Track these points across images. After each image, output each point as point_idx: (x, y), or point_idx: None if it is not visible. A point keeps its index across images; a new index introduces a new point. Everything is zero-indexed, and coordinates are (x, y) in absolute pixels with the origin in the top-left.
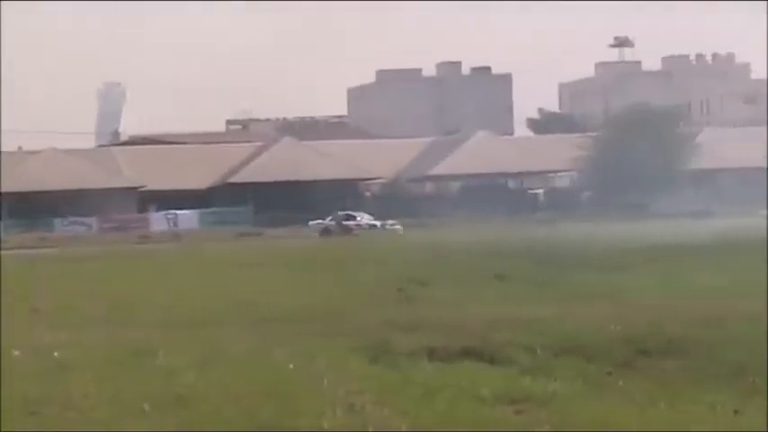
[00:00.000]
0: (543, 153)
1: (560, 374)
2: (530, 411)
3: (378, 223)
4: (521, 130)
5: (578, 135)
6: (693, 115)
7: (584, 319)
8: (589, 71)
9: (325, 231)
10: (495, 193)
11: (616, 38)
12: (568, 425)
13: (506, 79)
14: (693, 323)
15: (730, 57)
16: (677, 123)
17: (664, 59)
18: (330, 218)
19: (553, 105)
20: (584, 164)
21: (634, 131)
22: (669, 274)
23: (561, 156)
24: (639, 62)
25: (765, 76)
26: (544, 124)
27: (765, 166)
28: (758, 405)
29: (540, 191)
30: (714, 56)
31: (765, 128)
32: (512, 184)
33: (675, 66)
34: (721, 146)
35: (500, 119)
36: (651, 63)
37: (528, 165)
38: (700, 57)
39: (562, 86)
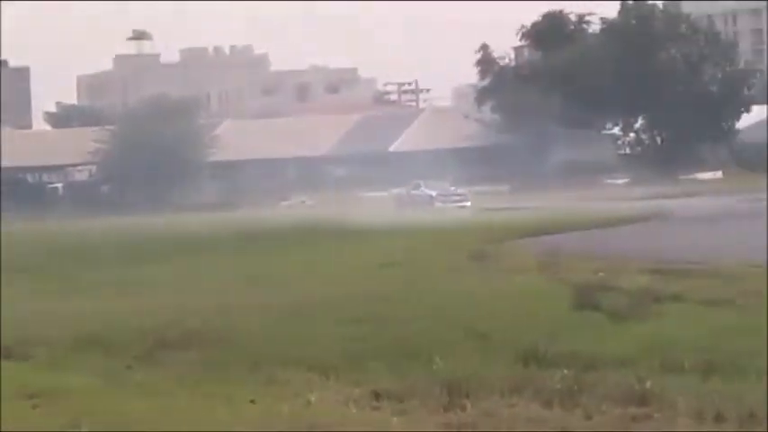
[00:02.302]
0: (61, 147)
1: (79, 368)
2: (46, 405)
3: None
4: (39, 123)
5: (97, 128)
6: (213, 107)
7: (105, 313)
8: (109, 64)
9: None
10: (13, 187)
11: (134, 31)
12: (85, 418)
13: (24, 72)
14: (212, 315)
15: (248, 48)
16: (196, 115)
17: (182, 52)
18: None
19: (72, 99)
20: (102, 157)
21: (152, 124)
22: (189, 266)
23: (80, 149)
24: (158, 55)
25: (286, 68)
26: (62, 118)
27: (286, 156)
28: (274, 395)
29: (60, 185)
30: (232, 48)
31: (286, 119)
32: (30, 178)
33: (194, 58)
34: (241, 138)
35: (18, 113)
36: (170, 56)
37: (46, 159)
38: (218, 49)
39: (80, 79)
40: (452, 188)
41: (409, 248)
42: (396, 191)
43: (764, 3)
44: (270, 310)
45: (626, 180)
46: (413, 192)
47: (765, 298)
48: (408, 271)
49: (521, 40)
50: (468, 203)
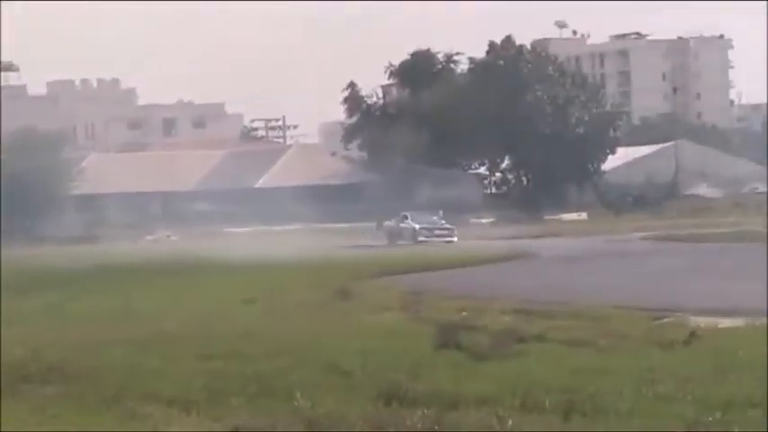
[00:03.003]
0: None
1: None
2: None
3: None
4: None
5: None
6: (79, 140)
7: None
8: None
9: None
10: None
11: (2, 62)
12: None
13: None
14: (74, 349)
15: (115, 82)
16: (62, 148)
17: (49, 84)
18: None
19: None
20: None
21: (19, 156)
22: (53, 299)
23: None
24: (25, 86)
25: (151, 102)
26: None
27: (151, 191)
28: (134, 429)
29: None
30: (99, 81)
31: (152, 153)
32: None
33: (61, 90)
34: (106, 171)
35: None
36: (37, 88)
37: None
38: (85, 81)
39: None
40: (442, 222)
41: (273, 284)
42: (387, 222)
43: (631, 45)
44: (131, 344)
45: (491, 219)
46: (401, 225)
47: (633, 340)
48: (271, 307)
49: (389, 78)
50: (455, 239)
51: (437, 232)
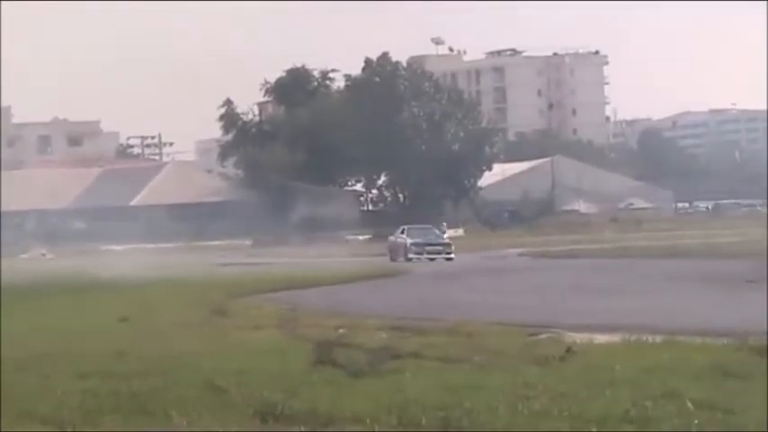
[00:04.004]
0: None
1: None
2: None
3: None
4: None
5: None
6: None
7: None
8: None
9: None
10: None
11: None
12: None
13: None
14: None
15: None
16: None
17: None
18: None
19: None
20: None
21: None
22: None
23: None
24: None
25: (26, 120)
26: None
27: (26, 209)
28: None
29: None
30: None
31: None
32: None
33: None
34: None
35: None
36: None
37: None
38: None
39: None
40: (442, 237)
41: (149, 303)
42: (390, 238)
43: (507, 61)
44: (4, 363)
45: (368, 236)
46: (397, 240)
47: (509, 356)
48: (146, 325)
49: (264, 95)
50: (452, 256)
51: (429, 249)
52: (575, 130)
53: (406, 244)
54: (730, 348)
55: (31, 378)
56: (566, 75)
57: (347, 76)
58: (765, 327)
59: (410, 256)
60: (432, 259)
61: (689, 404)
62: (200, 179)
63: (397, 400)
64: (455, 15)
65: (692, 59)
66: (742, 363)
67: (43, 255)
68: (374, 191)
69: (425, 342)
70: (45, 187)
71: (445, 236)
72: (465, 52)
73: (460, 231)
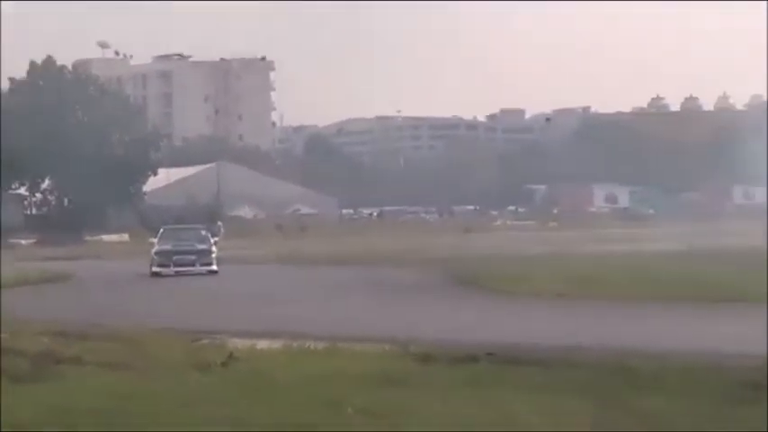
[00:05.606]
0: None
1: None
2: None
3: None
4: None
5: None
6: None
7: None
8: None
9: None
10: None
11: None
12: None
13: None
14: None
15: None
16: None
17: None
18: None
19: None
20: None
21: None
22: None
23: None
24: None
25: None
26: None
27: None
28: None
29: None
30: None
31: None
32: None
33: None
34: None
35: None
36: None
37: None
38: None
39: None
40: (205, 240)
41: None
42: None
43: (174, 66)
44: None
45: (32, 240)
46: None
47: (171, 362)
48: None
49: None
50: (214, 268)
51: (177, 259)
52: (241, 136)
53: (151, 253)
54: (393, 355)
55: None
56: (232, 80)
57: (11, 80)
58: (427, 333)
59: (155, 269)
60: (180, 273)
61: (350, 411)
62: None
63: (60, 406)
64: (121, 18)
65: (356, 67)
66: (404, 370)
67: None
68: (38, 195)
69: (87, 347)
70: None
71: (214, 239)
72: (132, 56)
73: (125, 237)
